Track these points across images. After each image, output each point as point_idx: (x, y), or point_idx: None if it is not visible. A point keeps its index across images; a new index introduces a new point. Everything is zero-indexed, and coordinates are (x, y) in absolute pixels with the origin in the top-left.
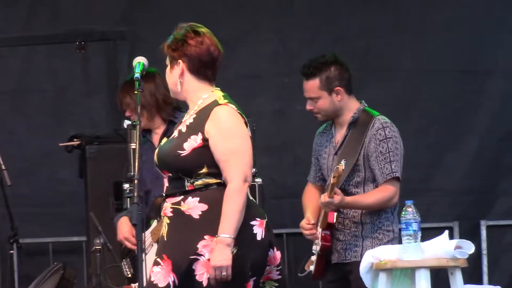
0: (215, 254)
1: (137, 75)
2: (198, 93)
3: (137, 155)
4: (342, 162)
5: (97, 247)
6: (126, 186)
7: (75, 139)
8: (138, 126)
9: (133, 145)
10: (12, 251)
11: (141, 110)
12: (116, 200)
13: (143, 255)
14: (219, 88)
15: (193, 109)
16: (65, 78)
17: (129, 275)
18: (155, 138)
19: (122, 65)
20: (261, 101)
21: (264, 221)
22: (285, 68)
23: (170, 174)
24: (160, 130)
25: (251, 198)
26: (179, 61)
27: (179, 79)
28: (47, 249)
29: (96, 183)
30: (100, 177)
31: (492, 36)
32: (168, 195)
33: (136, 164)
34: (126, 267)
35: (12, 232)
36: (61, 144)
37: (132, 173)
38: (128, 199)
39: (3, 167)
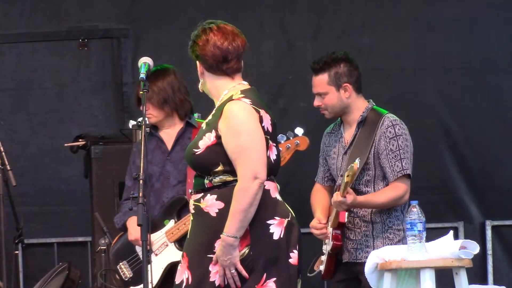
0: (219, 253)
1: (142, 75)
2: (219, 90)
3: (142, 155)
4: (357, 160)
5: (102, 247)
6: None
7: (80, 139)
8: (143, 126)
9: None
10: (17, 251)
11: (163, 105)
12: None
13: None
14: (245, 83)
15: (215, 106)
16: (67, 76)
17: (127, 278)
18: (166, 137)
19: (126, 63)
20: (264, 98)
21: (285, 220)
22: (288, 65)
23: (196, 172)
24: (173, 129)
25: (274, 196)
26: (197, 62)
27: (201, 79)
28: (52, 249)
29: (101, 183)
30: (105, 177)
31: (496, 34)
32: (192, 192)
33: (142, 164)
34: (124, 269)
35: (17, 232)
36: (66, 145)
37: (136, 173)
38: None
39: (8, 168)
